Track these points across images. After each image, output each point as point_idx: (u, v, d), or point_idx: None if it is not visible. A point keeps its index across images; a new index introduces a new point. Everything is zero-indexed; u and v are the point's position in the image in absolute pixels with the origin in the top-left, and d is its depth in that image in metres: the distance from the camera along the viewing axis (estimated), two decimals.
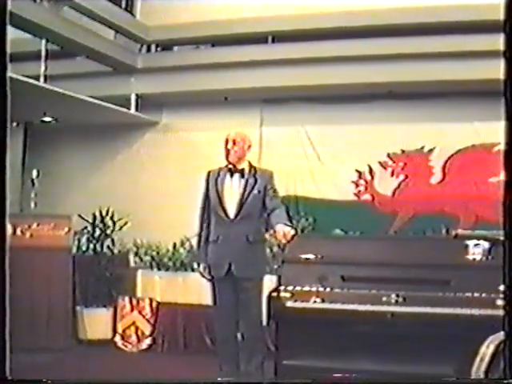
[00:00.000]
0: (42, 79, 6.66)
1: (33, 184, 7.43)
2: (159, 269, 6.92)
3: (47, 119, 7.68)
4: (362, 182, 7.42)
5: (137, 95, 7.83)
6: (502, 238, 2.82)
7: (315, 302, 4.58)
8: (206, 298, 5.13)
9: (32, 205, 7.38)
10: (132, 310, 6.70)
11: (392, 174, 7.36)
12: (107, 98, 7.27)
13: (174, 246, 6.99)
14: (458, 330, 4.16)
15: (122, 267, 7.08)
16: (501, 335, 2.68)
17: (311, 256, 4.71)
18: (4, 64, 2.84)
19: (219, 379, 4.79)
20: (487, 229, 4.94)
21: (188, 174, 7.03)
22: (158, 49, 7.86)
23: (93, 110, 7.27)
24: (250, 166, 4.87)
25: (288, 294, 4.62)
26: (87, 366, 5.60)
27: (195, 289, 6.18)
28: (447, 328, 4.26)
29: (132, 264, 7.25)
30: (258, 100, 7.65)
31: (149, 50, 7.83)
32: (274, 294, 4.67)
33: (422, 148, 7.25)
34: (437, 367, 4.15)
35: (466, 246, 4.54)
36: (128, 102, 7.77)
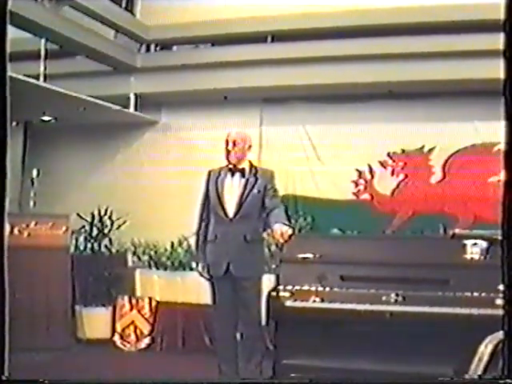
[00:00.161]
0: (41, 78, 6.66)
1: (32, 183, 7.44)
2: (158, 268, 6.92)
3: (47, 118, 7.68)
4: (361, 181, 7.42)
5: (136, 95, 7.82)
6: (499, 238, 2.82)
7: (314, 301, 4.58)
8: (205, 298, 5.13)
9: (31, 204, 7.38)
10: (131, 309, 6.70)
11: (392, 174, 7.36)
12: (107, 97, 7.26)
13: (172, 245, 6.98)
14: (456, 329, 4.16)
15: (120, 266, 7.09)
16: (499, 335, 2.68)
17: (310, 255, 4.71)
18: (4, 63, 2.84)
19: (218, 379, 4.79)
20: (486, 228, 4.93)
21: (187, 173, 7.03)
22: (158, 48, 7.86)
23: (92, 110, 7.26)
24: (251, 165, 4.86)
25: (287, 294, 4.63)
26: (86, 366, 5.61)
27: (194, 288, 6.18)
28: (446, 327, 4.26)
29: (130, 263, 7.25)
30: (258, 99, 7.64)
31: (148, 49, 7.83)
32: (273, 294, 4.67)
33: (422, 147, 7.25)
34: (436, 367, 4.15)
35: (465, 246, 4.55)
36: (127, 101, 7.77)
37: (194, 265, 5.13)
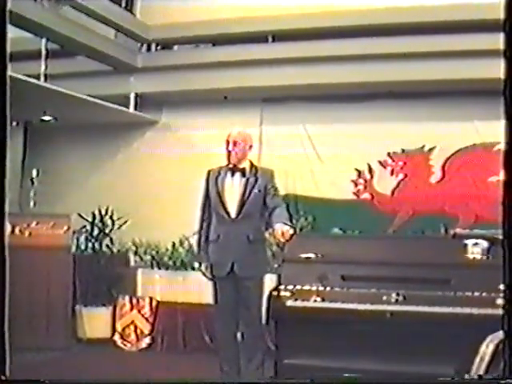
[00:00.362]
0: (42, 78, 6.66)
1: (32, 183, 7.44)
2: (159, 268, 6.93)
3: (47, 118, 7.67)
4: (361, 181, 7.42)
5: (136, 94, 7.83)
6: (500, 237, 2.82)
7: (315, 301, 4.58)
8: (206, 297, 5.14)
9: (31, 204, 7.38)
10: (132, 309, 6.71)
11: (392, 173, 7.37)
12: (107, 97, 7.26)
13: (174, 245, 6.99)
14: (457, 329, 4.16)
15: (121, 266, 7.10)
16: (500, 334, 2.67)
17: (311, 255, 4.71)
18: (4, 63, 2.83)
19: (220, 379, 4.79)
20: (486, 228, 4.94)
21: (188, 172, 7.02)
22: (158, 48, 7.87)
23: (93, 109, 7.27)
24: (252, 165, 4.86)
25: (288, 293, 4.62)
26: (86, 365, 5.61)
27: (195, 288, 6.18)
28: (447, 327, 4.26)
29: (132, 263, 7.26)
30: (258, 99, 7.65)
31: (149, 49, 7.83)
32: (274, 293, 4.67)
33: (423, 147, 7.25)
34: (437, 366, 4.15)
35: (466, 246, 4.55)
36: (128, 101, 7.77)
37: (195, 265, 5.11)
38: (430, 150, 7.22)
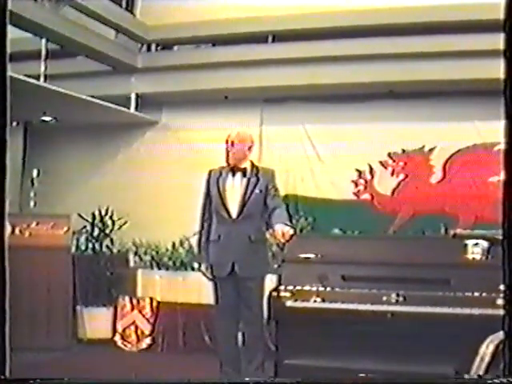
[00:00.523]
0: (42, 79, 6.67)
1: (32, 183, 7.43)
2: (159, 268, 6.93)
3: (47, 119, 7.68)
4: (361, 181, 7.41)
5: (137, 94, 7.82)
6: (500, 238, 2.82)
7: (315, 301, 4.58)
8: (206, 298, 5.13)
9: (31, 204, 7.38)
10: (132, 309, 6.71)
11: (392, 174, 7.36)
12: (107, 97, 7.26)
13: (174, 245, 6.99)
14: (458, 329, 4.16)
15: (121, 266, 7.10)
16: (500, 334, 2.68)
17: (311, 255, 4.71)
18: (4, 63, 2.83)
19: (220, 379, 4.79)
20: (486, 228, 4.94)
21: (188, 173, 7.02)
22: (158, 48, 7.86)
23: (93, 110, 7.27)
24: (253, 165, 4.86)
25: (288, 294, 4.62)
26: (87, 366, 5.61)
27: (195, 288, 6.18)
28: (447, 327, 4.26)
29: (132, 263, 7.26)
30: (259, 99, 7.64)
31: (149, 49, 7.83)
32: (274, 294, 4.67)
33: (423, 147, 7.25)
34: (437, 367, 4.15)
35: (466, 246, 4.55)
36: (128, 101, 7.77)
37: (195, 265, 5.12)
38: (431, 150, 7.22)
